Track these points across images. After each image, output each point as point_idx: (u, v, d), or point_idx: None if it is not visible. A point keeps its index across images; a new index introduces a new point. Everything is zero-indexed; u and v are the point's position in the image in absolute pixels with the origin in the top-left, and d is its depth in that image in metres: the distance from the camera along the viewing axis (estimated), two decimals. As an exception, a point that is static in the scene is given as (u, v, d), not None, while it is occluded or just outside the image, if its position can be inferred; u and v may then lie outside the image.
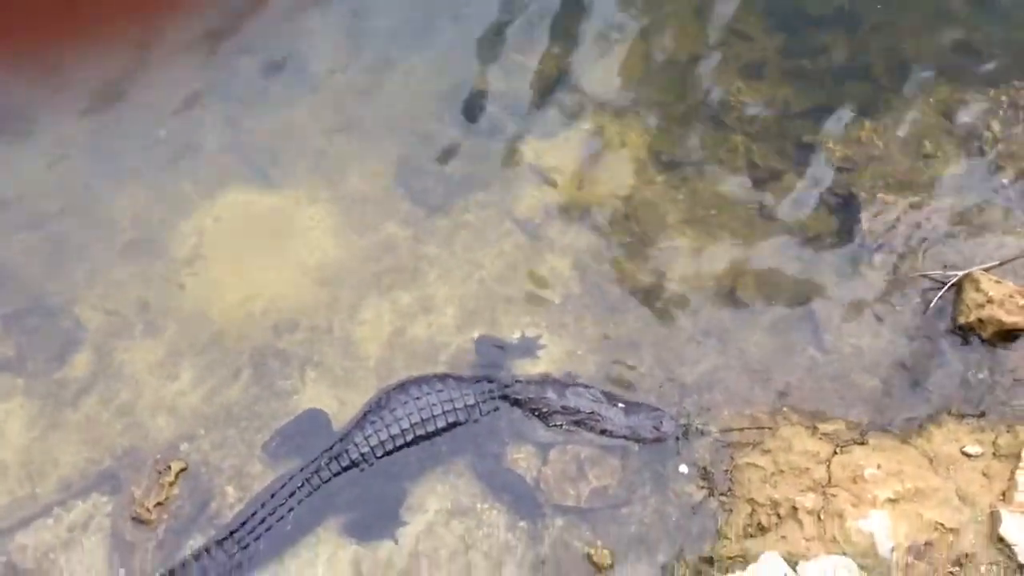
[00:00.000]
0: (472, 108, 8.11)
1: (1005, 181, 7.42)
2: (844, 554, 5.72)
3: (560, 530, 6.29)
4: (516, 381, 6.66)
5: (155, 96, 8.15)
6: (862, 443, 6.40)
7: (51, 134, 8.00)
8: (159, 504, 6.32)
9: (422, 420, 6.40)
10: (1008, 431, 6.33)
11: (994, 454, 6.24)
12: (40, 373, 6.98)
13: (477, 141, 7.98)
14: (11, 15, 8.10)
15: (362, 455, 6.34)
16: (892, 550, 5.78)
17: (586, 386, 6.67)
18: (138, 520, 6.29)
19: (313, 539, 6.34)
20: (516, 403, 6.59)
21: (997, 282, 6.73)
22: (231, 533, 6.18)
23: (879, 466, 6.15)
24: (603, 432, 6.48)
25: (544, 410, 6.55)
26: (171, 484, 6.39)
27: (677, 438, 6.48)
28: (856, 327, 6.94)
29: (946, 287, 6.90)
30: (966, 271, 6.89)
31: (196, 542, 6.33)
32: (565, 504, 6.34)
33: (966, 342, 6.75)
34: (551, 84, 8.21)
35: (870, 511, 5.95)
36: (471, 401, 6.51)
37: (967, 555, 5.78)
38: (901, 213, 7.37)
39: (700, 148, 7.86)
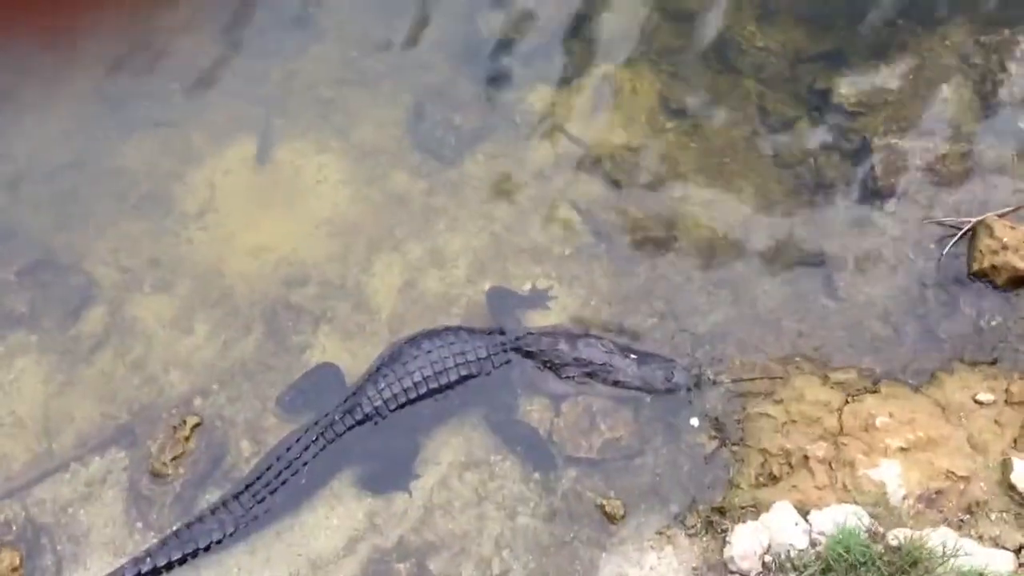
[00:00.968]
0: (482, 58, 8.03)
1: (1022, 125, 7.33)
2: (856, 503, 5.75)
3: (573, 481, 6.33)
4: (528, 333, 6.66)
5: (168, 51, 8.11)
6: (874, 392, 6.41)
7: (63, 89, 7.95)
8: (175, 458, 6.36)
9: (435, 373, 6.40)
10: (1021, 379, 6.35)
11: (1006, 401, 6.25)
12: (54, 329, 7.00)
13: (488, 91, 7.93)
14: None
15: (375, 408, 6.37)
16: (903, 498, 5.81)
17: (598, 337, 6.67)
18: (155, 474, 6.33)
19: (328, 492, 6.39)
20: (528, 355, 6.59)
21: (1012, 228, 6.69)
22: (247, 487, 6.23)
23: (891, 415, 6.17)
24: (615, 383, 6.49)
25: (556, 362, 6.56)
26: (186, 439, 6.42)
27: (689, 389, 6.49)
28: (869, 275, 6.92)
29: (960, 234, 6.87)
30: (980, 217, 6.84)
31: (212, 496, 6.38)
32: (577, 455, 6.36)
33: (980, 289, 6.72)
34: (561, 33, 8.12)
35: (881, 460, 5.98)
36: (483, 354, 6.51)
37: (978, 503, 5.81)
38: (915, 159, 7.31)
39: (712, 95, 7.78)
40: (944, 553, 5.28)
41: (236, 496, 6.21)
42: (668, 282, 6.99)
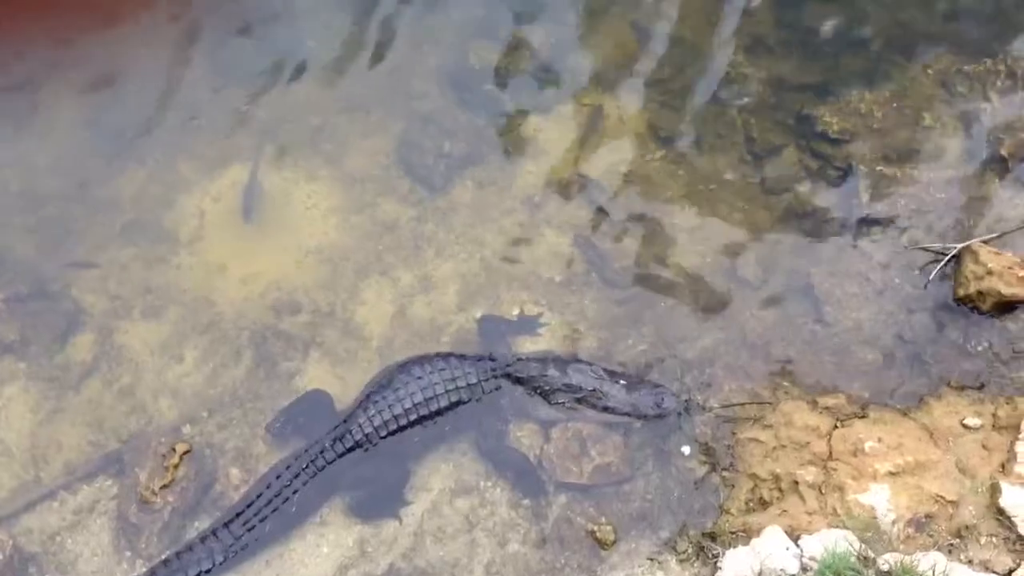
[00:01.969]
0: (473, 86, 8.08)
1: (1004, 152, 7.40)
2: (846, 527, 5.74)
3: (563, 507, 6.32)
4: (518, 359, 6.67)
5: (155, 76, 8.11)
6: (862, 417, 6.42)
7: (51, 113, 7.96)
8: (164, 487, 6.33)
9: (425, 399, 6.40)
10: (1008, 403, 6.35)
11: (994, 426, 6.26)
12: (42, 356, 6.99)
13: (476, 118, 7.96)
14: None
15: (366, 435, 6.36)
16: (893, 523, 5.82)
17: (588, 363, 6.68)
18: (143, 503, 6.30)
19: (318, 520, 6.38)
20: (518, 381, 6.60)
21: (996, 254, 6.72)
22: (236, 515, 6.20)
23: (879, 439, 6.18)
24: (605, 409, 6.50)
25: (546, 388, 6.56)
26: (175, 466, 6.39)
27: (679, 414, 6.50)
28: (856, 301, 6.94)
29: (946, 260, 6.91)
30: (965, 243, 6.89)
31: (202, 524, 6.36)
32: (568, 481, 6.36)
33: (966, 315, 6.75)
34: (551, 61, 8.19)
35: (871, 484, 5.98)
36: (473, 380, 6.51)
37: (967, 527, 5.81)
38: (900, 185, 7.37)
39: (699, 123, 7.83)
40: (935, 577, 5.29)
41: (226, 524, 6.18)
42: (657, 308, 7.02)
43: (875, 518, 5.84)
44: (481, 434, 6.54)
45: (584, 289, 7.16)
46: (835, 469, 6.10)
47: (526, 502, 6.38)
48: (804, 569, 5.55)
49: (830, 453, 6.19)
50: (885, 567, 5.42)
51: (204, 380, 6.88)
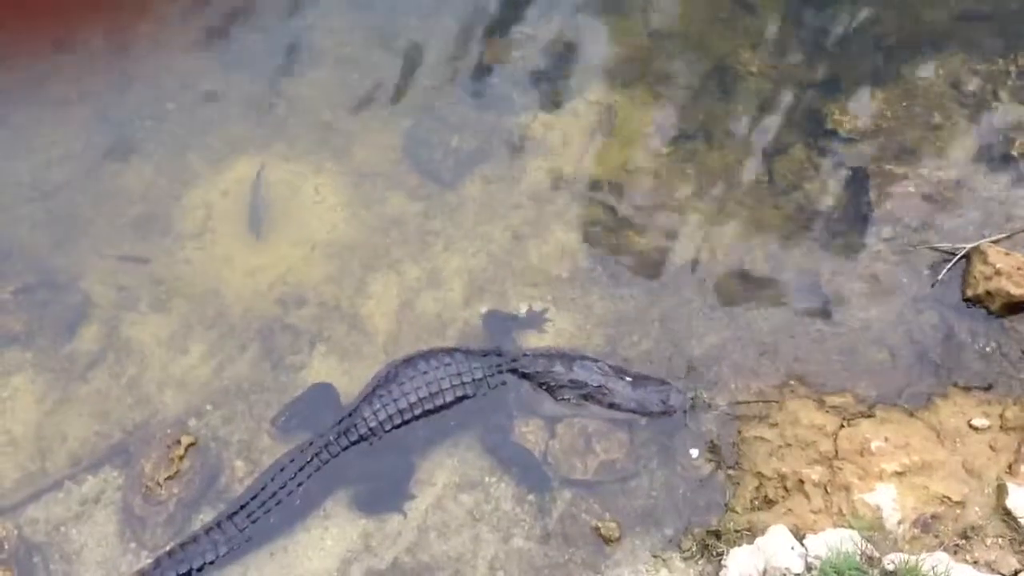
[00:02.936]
0: (480, 82, 8.07)
1: (1014, 152, 7.38)
2: (851, 527, 5.73)
3: (568, 503, 6.32)
4: (524, 355, 6.66)
5: (165, 72, 8.14)
6: (869, 416, 6.41)
7: (60, 107, 7.97)
8: (169, 478, 6.33)
9: (430, 394, 6.40)
10: (1015, 404, 6.34)
11: (1001, 427, 6.25)
12: (49, 348, 7.00)
13: (485, 114, 7.95)
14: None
15: (371, 429, 6.36)
16: (899, 523, 5.81)
17: (594, 359, 6.66)
18: (148, 494, 6.31)
19: (322, 513, 6.38)
20: (524, 377, 6.59)
21: (1006, 254, 6.71)
22: (241, 507, 6.20)
23: (886, 439, 6.17)
24: (611, 406, 6.49)
25: (552, 384, 6.55)
26: (180, 458, 6.40)
27: (685, 412, 6.49)
28: (864, 300, 6.93)
29: (955, 259, 6.89)
30: (974, 243, 6.87)
31: (206, 516, 6.36)
32: (573, 477, 6.36)
33: (974, 315, 6.74)
34: (559, 57, 8.18)
35: (877, 484, 5.97)
36: (479, 375, 6.51)
37: (973, 527, 5.81)
38: (910, 184, 7.35)
39: (708, 121, 7.82)
40: (940, 578, 5.28)
41: (230, 516, 6.18)
42: (664, 305, 7.01)
43: (881, 518, 5.83)
44: (486, 429, 6.54)
45: (591, 285, 7.15)
46: (841, 468, 6.09)
47: (531, 498, 6.38)
48: (809, 568, 5.54)
49: (836, 452, 6.18)
50: (890, 567, 5.41)
51: (210, 372, 6.88)
